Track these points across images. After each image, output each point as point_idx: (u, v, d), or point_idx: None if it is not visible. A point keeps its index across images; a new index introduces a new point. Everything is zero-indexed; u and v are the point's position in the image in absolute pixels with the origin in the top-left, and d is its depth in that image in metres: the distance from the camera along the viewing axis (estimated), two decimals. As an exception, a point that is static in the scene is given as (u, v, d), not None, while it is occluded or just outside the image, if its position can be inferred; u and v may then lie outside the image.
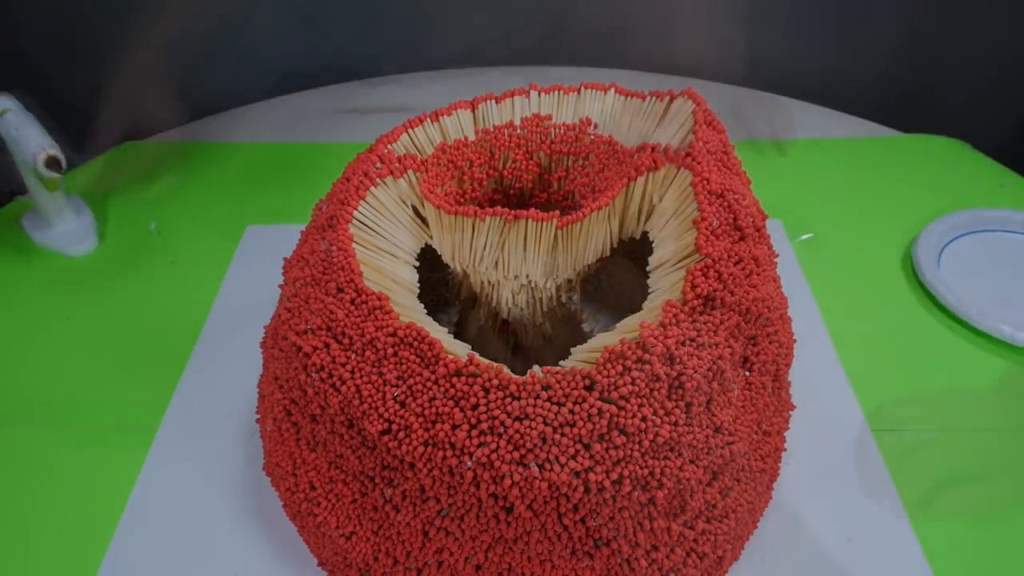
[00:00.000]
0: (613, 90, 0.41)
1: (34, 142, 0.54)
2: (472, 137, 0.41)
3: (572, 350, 0.32)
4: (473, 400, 0.29)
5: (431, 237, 0.38)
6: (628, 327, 0.32)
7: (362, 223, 0.36)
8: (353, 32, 0.87)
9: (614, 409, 0.29)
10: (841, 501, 0.42)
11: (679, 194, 0.34)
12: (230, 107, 0.82)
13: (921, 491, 0.43)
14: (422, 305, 0.35)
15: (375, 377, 0.31)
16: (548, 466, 0.29)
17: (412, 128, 0.40)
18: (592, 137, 0.40)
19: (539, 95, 0.42)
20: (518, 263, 0.36)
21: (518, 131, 0.41)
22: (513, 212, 0.34)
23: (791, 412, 0.40)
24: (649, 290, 0.34)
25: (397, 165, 0.37)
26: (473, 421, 0.30)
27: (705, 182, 0.34)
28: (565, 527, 0.31)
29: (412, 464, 0.31)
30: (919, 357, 0.51)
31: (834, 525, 0.41)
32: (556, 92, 0.42)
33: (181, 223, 0.65)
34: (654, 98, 0.40)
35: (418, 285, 0.36)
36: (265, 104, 0.83)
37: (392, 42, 0.88)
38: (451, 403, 0.30)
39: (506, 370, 0.30)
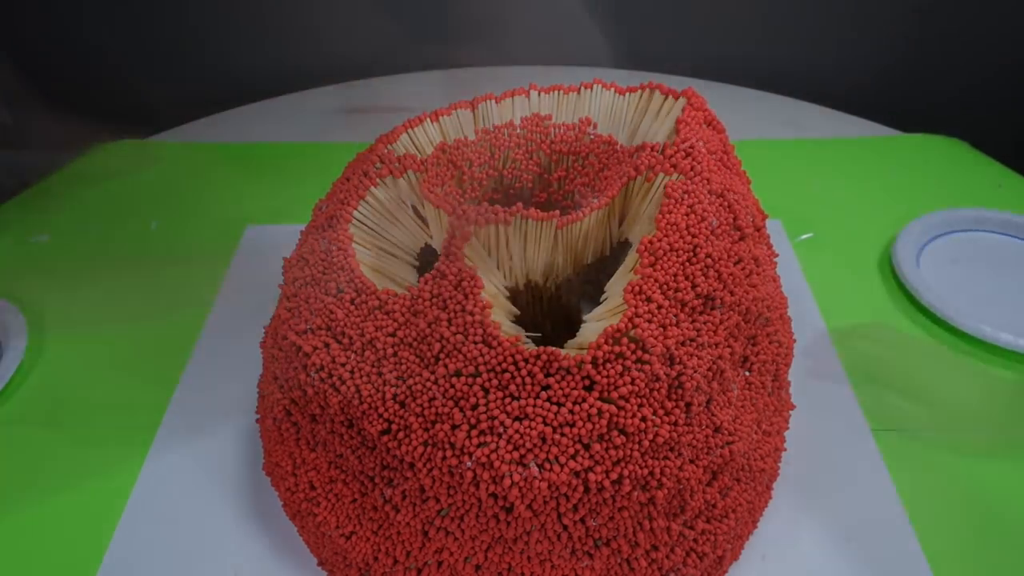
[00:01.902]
0: (613, 90, 0.41)
1: None
2: (472, 137, 0.41)
3: (566, 343, 0.32)
4: (473, 400, 0.30)
5: (431, 237, 0.38)
6: (599, 314, 0.32)
7: (362, 223, 0.36)
8: (353, 32, 0.87)
9: (614, 409, 0.29)
10: (841, 501, 0.42)
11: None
12: (230, 107, 0.82)
13: (921, 491, 0.43)
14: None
15: (375, 377, 0.31)
16: (548, 466, 0.29)
17: (412, 128, 0.40)
18: (592, 137, 0.40)
19: (539, 95, 0.42)
20: (518, 263, 0.36)
21: (518, 131, 0.41)
22: (514, 210, 0.34)
23: (791, 412, 0.40)
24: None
25: (397, 165, 0.37)
26: (473, 421, 0.30)
27: (705, 182, 0.34)
28: (565, 527, 0.31)
29: (412, 464, 0.31)
30: (918, 356, 0.51)
31: (834, 525, 0.41)
32: (556, 92, 0.42)
33: (181, 223, 0.65)
34: (652, 91, 0.40)
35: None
36: (265, 104, 0.83)
37: (392, 42, 0.88)
38: (451, 403, 0.30)
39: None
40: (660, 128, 0.38)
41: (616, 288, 0.32)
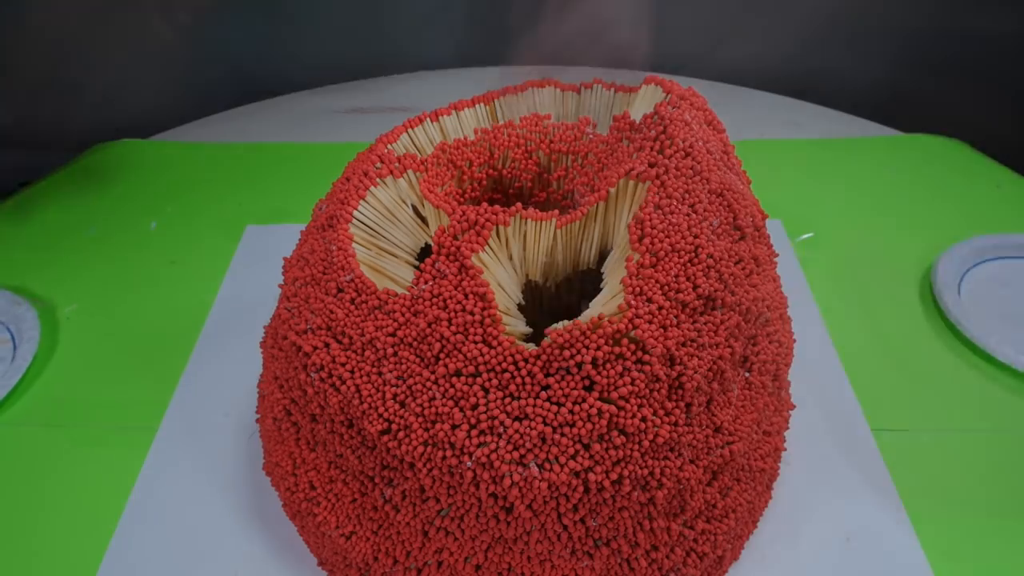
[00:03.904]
0: (613, 89, 0.41)
1: None
2: (472, 137, 0.41)
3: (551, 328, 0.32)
4: (473, 400, 0.30)
5: (431, 237, 0.38)
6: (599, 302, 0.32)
7: (362, 223, 0.36)
8: (353, 32, 0.87)
9: (614, 409, 0.29)
10: (841, 501, 0.42)
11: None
12: (230, 107, 0.82)
13: (921, 491, 0.43)
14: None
15: (375, 377, 0.31)
16: (548, 466, 0.29)
17: (412, 128, 0.40)
18: (591, 136, 0.40)
19: (539, 94, 0.42)
20: (518, 263, 0.36)
21: (517, 130, 0.41)
22: (513, 210, 0.34)
23: (791, 412, 0.40)
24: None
25: (397, 165, 0.37)
26: (473, 421, 0.30)
27: (705, 182, 0.34)
28: (565, 527, 0.31)
29: (412, 464, 0.31)
30: (920, 357, 0.51)
31: (834, 525, 0.41)
32: (555, 91, 0.42)
33: (181, 223, 0.65)
34: (650, 89, 0.40)
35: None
36: (265, 104, 0.83)
37: (392, 42, 0.88)
38: (451, 403, 0.30)
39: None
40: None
41: (612, 273, 0.32)
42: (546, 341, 0.30)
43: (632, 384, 0.29)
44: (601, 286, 0.33)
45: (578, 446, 0.29)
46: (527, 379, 0.29)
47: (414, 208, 0.38)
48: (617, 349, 0.29)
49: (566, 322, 0.30)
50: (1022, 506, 0.42)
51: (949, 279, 0.54)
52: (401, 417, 0.30)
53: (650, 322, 0.30)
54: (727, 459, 0.34)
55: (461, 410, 0.30)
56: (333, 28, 0.87)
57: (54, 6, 0.82)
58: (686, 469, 0.31)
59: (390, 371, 0.31)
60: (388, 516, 0.34)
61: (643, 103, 0.40)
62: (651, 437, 0.30)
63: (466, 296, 0.30)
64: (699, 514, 0.34)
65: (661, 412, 0.30)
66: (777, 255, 0.39)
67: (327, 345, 0.32)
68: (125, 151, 0.75)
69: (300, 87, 0.85)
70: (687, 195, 0.33)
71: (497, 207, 0.33)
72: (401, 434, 0.30)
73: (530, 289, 0.37)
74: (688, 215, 0.33)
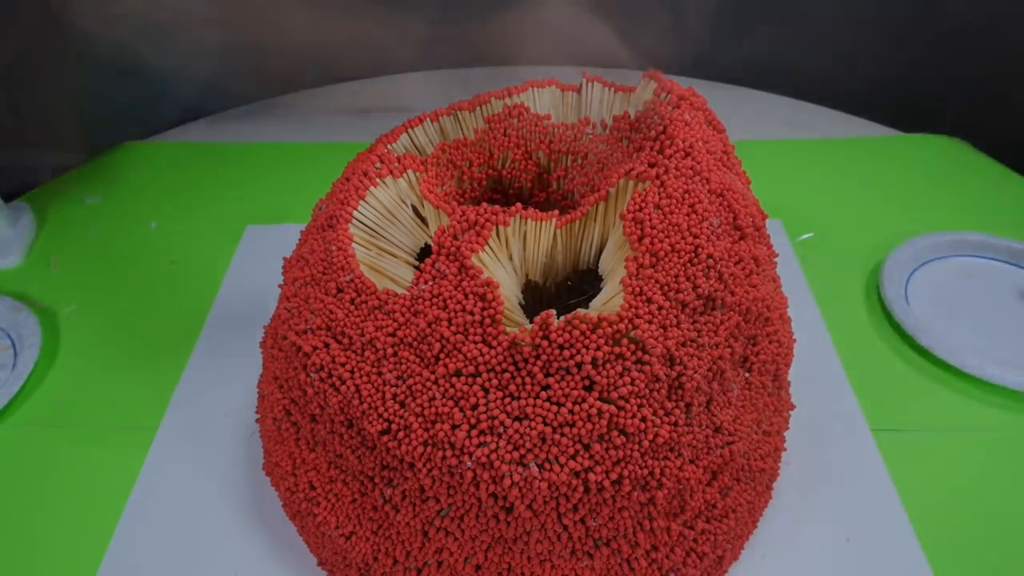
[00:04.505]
0: (613, 88, 0.41)
1: None
2: (472, 137, 0.41)
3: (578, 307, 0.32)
4: (473, 400, 0.30)
5: (431, 237, 0.38)
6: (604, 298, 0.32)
7: (362, 223, 0.36)
8: (353, 32, 0.87)
9: (614, 409, 0.29)
10: (841, 501, 0.42)
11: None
12: (230, 107, 0.82)
13: (921, 491, 0.43)
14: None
15: (375, 377, 0.31)
16: (548, 466, 0.29)
17: (412, 128, 0.40)
18: (591, 136, 0.40)
19: (539, 94, 0.42)
20: (517, 263, 0.36)
21: (517, 131, 0.41)
22: (513, 210, 0.34)
23: (791, 412, 0.40)
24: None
25: (397, 165, 0.37)
26: (473, 421, 0.30)
27: (705, 182, 0.34)
28: (565, 527, 0.31)
29: (412, 464, 0.31)
30: (919, 357, 0.51)
31: (833, 525, 0.41)
32: (555, 91, 0.42)
33: (181, 223, 0.65)
34: (648, 86, 0.40)
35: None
36: (265, 104, 0.83)
37: (392, 42, 0.88)
38: (451, 403, 0.30)
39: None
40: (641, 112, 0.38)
41: (611, 272, 0.32)
42: (535, 327, 0.29)
43: (632, 384, 0.29)
44: (601, 286, 0.33)
45: (578, 446, 0.29)
46: (527, 379, 0.29)
47: (414, 208, 0.38)
48: (617, 349, 0.29)
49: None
50: (1022, 506, 0.42)
51: (896, 280, 0.55)
52: (401, 417, 0.30)
53: (650, 322, 0.30)
54: (727, 459, 0.34)
55: (461, 410, 0.30)
56: (334, 28, 0.87)
57: (56, 6, 0.82)
58: (686, 469, 0.31)
59: (390, 371, 0.31)
60: (388, 516, 0.34)
61: (642, 96, 0.40)
62: (651, 437, 0.30)
63: (466, 296, 0.30)
64: (699, 514, 0.34)
65: (661, 412, 0.30)
66: (777, 255, 0.39)
67: (327, 345, 0.32)
68: (125, 151, 0.75)
69: (301, 87, 0.85)
70: (687, 195, 0.33)
71: (497, 207, 0.33)
72: (401, 434, 0.30)
73: (530, 289, 0.37)
74: (688, 215, 0.32)
